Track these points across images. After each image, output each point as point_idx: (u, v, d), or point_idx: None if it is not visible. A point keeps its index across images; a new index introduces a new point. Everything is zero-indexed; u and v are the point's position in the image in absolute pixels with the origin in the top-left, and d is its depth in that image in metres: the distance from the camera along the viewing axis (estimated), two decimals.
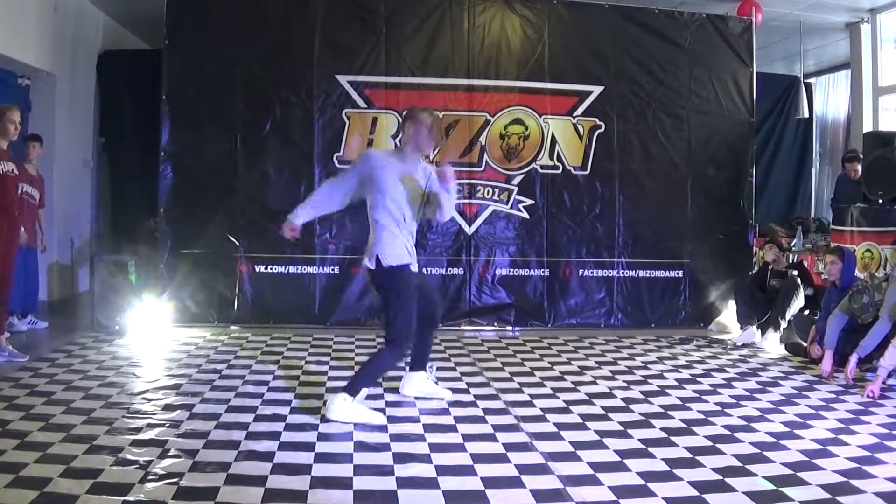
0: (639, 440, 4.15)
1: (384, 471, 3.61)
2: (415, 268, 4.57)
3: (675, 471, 3.67)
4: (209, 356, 5.95)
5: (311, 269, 7.30)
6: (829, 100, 11.12)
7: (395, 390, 5.03)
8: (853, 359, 5.40)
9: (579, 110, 7.63)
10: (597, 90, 7.65)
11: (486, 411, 4.65)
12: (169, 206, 7.12)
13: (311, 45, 7.25)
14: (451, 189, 4.50)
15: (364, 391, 4.53)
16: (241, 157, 7.18)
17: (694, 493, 3.41)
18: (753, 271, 7.79)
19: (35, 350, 5.88)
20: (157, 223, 7.18)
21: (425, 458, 3.79)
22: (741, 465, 3.77)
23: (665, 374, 5.74)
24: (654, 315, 7.79)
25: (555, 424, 4.41)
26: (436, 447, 3.96)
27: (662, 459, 3.84)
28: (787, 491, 3.43)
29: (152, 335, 6.59)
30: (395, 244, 4.44)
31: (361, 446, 3.94)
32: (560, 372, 5.77)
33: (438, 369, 5.73)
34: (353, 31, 7.35)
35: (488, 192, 7.50)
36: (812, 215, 10.20)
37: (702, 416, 4.62)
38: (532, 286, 7.62)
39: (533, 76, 7.57)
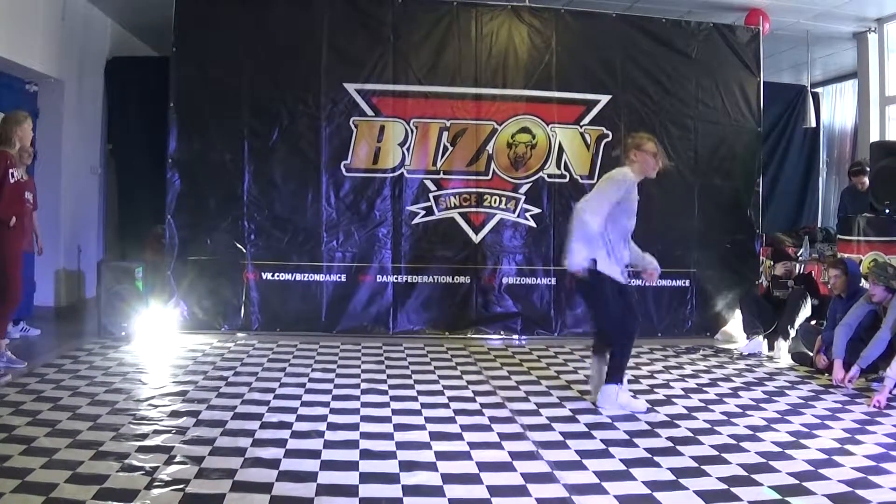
0: (644, 449, 4.14)
1: (390, 478, 3.60)
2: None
3: (680, 480, 3.67)
4: (215, 363, 5.96)
5: (318, 277, 7.30)
6: (836, 109, 11.10)
7: (401, 398, 5.04)
8: (854, 370, 5.43)
9: (587, 119, 7.63)
10: (604, 99, 7.65)
11: (493, 420, 4.65)
12: (176, 213, 7.14)
13: (318, 53, 7.27)
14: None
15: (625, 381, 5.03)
16: (249, 164, 7.20)
17: (700, 502, 3.40)
18: (760, 281, 7.78)
19: (42, 356, 5.89)
20: (165, 230, 7.20)
21: (431, 466, 3.79)
22: (747, 474, 3.76)
23: (671, 384, 5.73)
24: (660, 324, 7.77)
25: (561, 433, 4.41)
26: (441, 455, 3.96)
27: (668, 468, 3.83)
28: (793, 500, 3.42)
29: (159, 342, 6.61)
30: (612, 256, 4.86)
31: (367, 454, 3.93)
32: (566, 381, 5.76)
33: (444, 377, 5.76)
34: (361, 40, 7.37)
35: (495, 200, 7.50)
36: (819, 225, 10.16)
37: (707, 426, 4.61)
38: (539, 295, 7.60)
39: (540, 85, 7.57)
